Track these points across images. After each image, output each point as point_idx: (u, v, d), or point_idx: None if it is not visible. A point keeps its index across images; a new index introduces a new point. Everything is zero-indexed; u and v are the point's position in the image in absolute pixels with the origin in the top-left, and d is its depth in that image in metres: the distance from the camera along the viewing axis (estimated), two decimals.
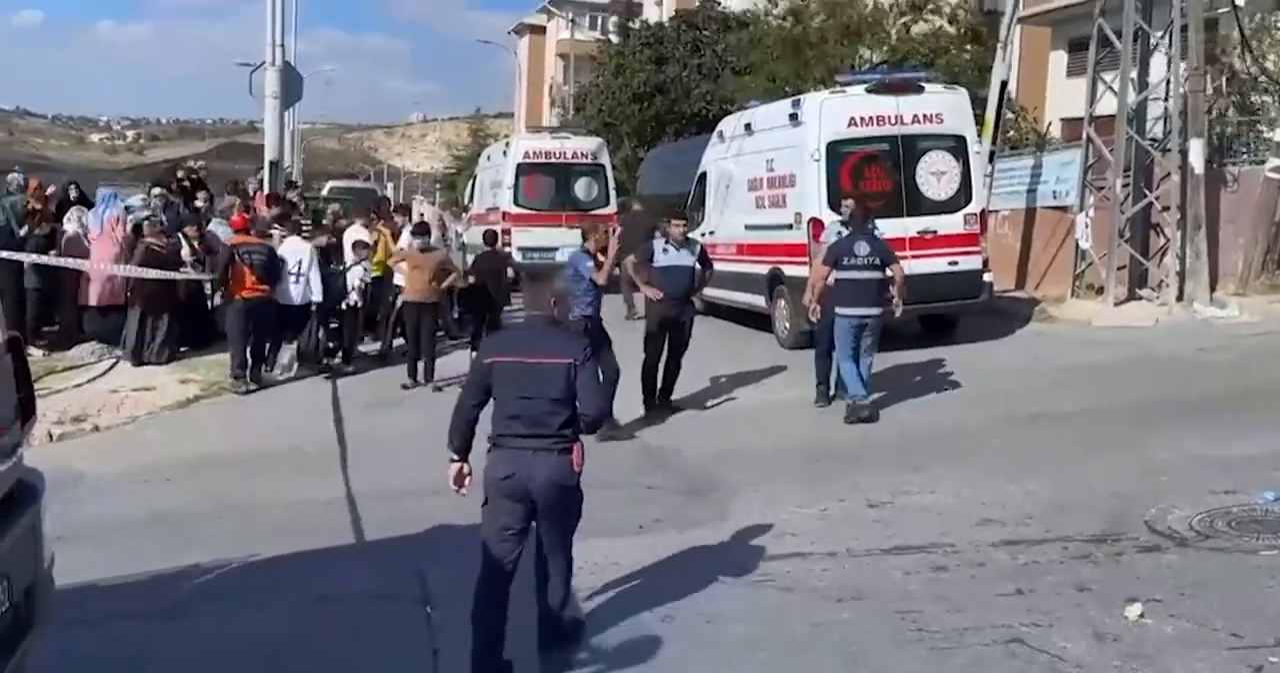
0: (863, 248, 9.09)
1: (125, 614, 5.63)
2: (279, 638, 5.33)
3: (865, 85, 12.34)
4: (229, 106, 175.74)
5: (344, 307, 12.31)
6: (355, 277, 12.37)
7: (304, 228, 13.00)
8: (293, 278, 11.64)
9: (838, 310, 9.12)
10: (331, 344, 12.48)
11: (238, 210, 13.33)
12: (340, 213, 14.22)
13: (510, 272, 13.15)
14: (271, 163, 15.17)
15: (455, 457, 4.86)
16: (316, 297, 11.85)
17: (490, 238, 13.53)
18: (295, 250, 11.76)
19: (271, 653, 5.19)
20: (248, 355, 11.48)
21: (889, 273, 9.09)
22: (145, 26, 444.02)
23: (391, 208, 15.48)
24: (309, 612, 5.65)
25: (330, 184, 35.15)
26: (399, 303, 12.41)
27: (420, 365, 11.54)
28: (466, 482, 4.87)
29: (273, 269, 11.40)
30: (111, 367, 11.84)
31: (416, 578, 5.95)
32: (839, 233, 9.58)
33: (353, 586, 5.95)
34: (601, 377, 6.33)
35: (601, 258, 8.89)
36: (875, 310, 9.07)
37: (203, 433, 9.97)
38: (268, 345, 11.87)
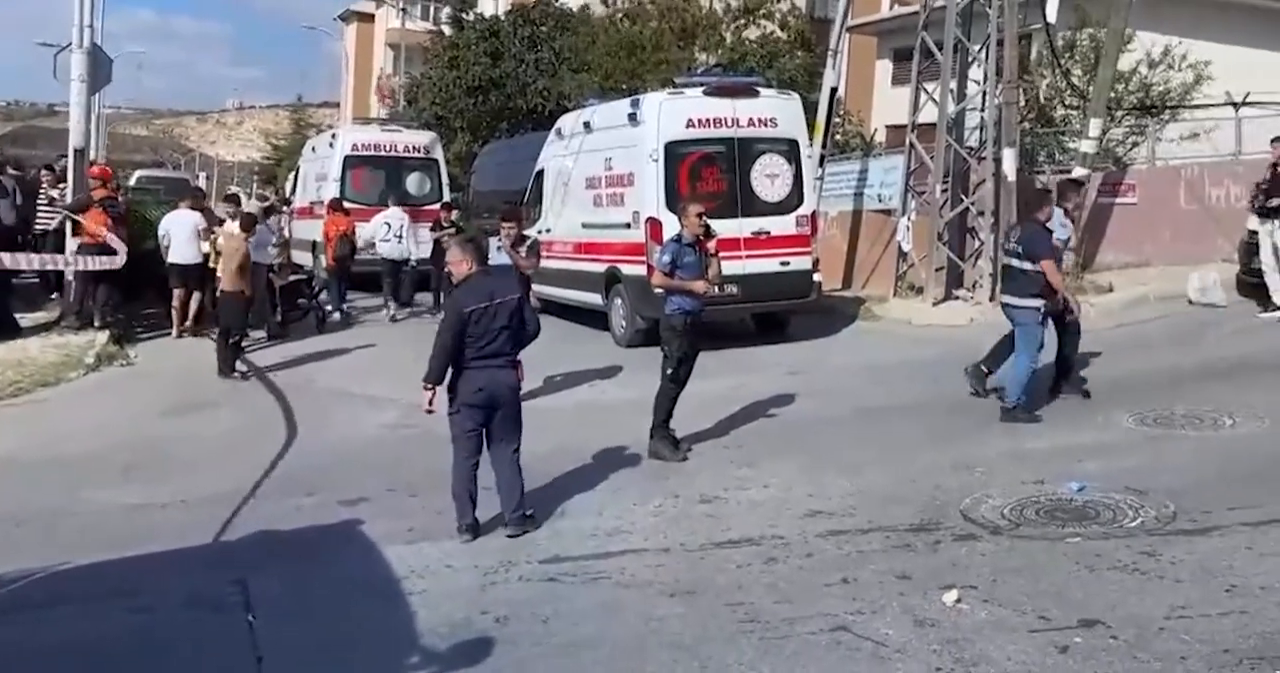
0: (1014, 234, 8.93)
1: None
2: (93, 650, 5.03)
3: (703, 88, 12.51)
4: (25, 89, 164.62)
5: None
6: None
7: None
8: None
9: None
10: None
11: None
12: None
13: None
14: (77, 150, 14.18)
15: (431, 385, 6.29)
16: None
17: (435, 226, 15.83)
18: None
19: (85, 666, 4.88)
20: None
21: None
22: None
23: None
24: (125, 622, 5.35)
25: (139, 173, 33.33)
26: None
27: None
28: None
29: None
30: None
31: (237, 586, 5.68)
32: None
33: (170, 594, 5.66)
34: None
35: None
36: (1008, 299, 8.73)
37: None
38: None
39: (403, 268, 16.24)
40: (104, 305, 13.10)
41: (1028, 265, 8.49)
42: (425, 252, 16.17)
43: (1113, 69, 15.01)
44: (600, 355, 11.81)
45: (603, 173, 13.15)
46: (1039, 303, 8.50)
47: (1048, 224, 8.78)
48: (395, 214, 16.14)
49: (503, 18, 30.32)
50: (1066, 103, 17.31)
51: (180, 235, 13.34)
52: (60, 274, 14.09)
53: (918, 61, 15.52)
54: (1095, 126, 14.61)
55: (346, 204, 16.98)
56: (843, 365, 11.38)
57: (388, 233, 15.90)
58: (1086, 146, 14.61)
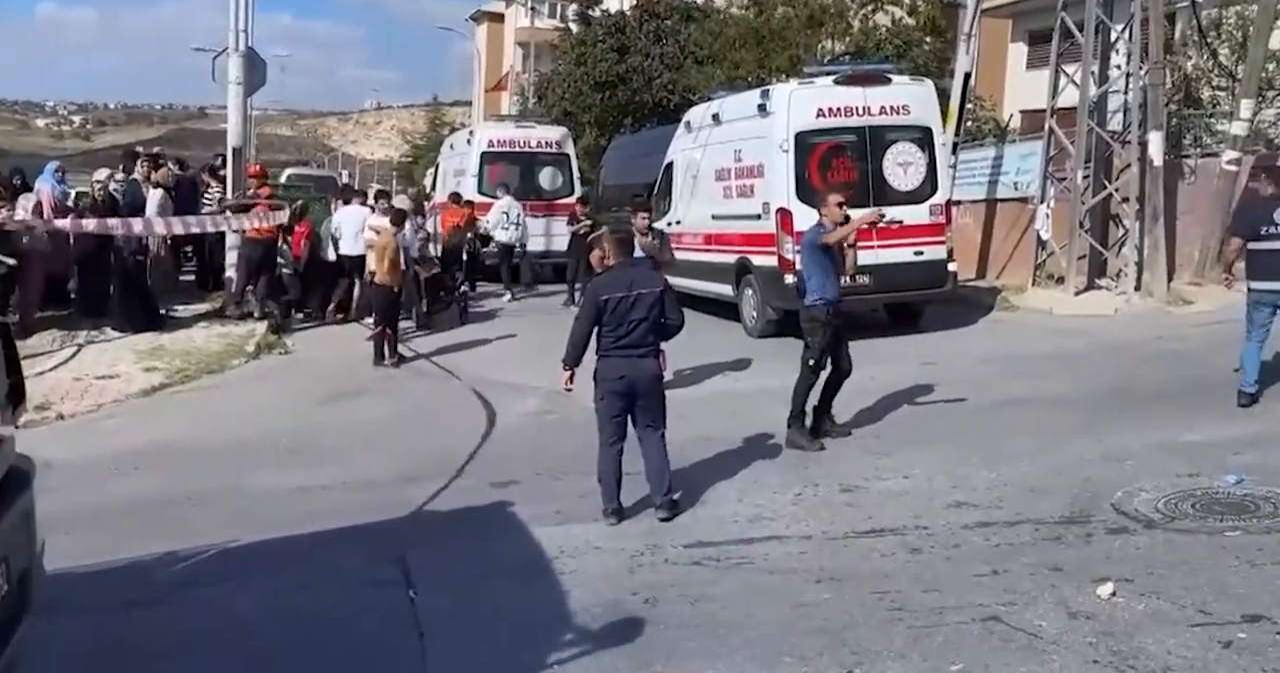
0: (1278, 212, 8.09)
1: (105, 602, 5.62)
2: (262, 624, 5.34)
3: (833, 76, 12.44)
4: (178, 92, 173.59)
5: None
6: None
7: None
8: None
9: (1250, 285, 8.24)
10: None
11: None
12: None
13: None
14: (235, 149, 14.99)
15: (568, 367, 6.59)
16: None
17: (572, 219, 16.71)
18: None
19: (255, 639, 5.18)
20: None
21: None
22: (89, 9, 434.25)
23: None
24: (291, 598, 5.65)
25: (289, 171, 34.76)
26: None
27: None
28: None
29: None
30: (74, 355, 11.70)
31: (398, 563, 5.97)
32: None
33: (334, 571, 5.96)
34: None
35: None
36: None
37: (171, 421, 9.90)
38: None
39: (517, 252, 17.76)
40: (264, 297, 13.84)
41: None
42: (561, 245, 16.57)
43: (1264, 47, 14.31)
44: (732, 346, 11.89)
45: (732, 164, 13.19)
46: None
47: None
48: (509, 203, 17.64)
49: (628, 13, 30.58)
50: (1214, 84, 16.57)
51: (349, 231, 14.22)
52: (217, 271, 14.94)
53: (1057, 43, 15.09)
54: (1246, 108, 13.95)
55: (484, 197, 17.79)
56: (979, 356, 11.19)
57: (505, 221, 17.48)
58: (1237, 129, 13.96)
